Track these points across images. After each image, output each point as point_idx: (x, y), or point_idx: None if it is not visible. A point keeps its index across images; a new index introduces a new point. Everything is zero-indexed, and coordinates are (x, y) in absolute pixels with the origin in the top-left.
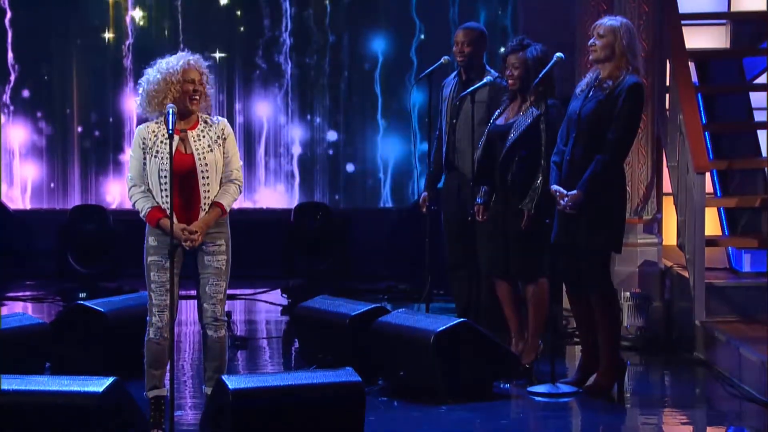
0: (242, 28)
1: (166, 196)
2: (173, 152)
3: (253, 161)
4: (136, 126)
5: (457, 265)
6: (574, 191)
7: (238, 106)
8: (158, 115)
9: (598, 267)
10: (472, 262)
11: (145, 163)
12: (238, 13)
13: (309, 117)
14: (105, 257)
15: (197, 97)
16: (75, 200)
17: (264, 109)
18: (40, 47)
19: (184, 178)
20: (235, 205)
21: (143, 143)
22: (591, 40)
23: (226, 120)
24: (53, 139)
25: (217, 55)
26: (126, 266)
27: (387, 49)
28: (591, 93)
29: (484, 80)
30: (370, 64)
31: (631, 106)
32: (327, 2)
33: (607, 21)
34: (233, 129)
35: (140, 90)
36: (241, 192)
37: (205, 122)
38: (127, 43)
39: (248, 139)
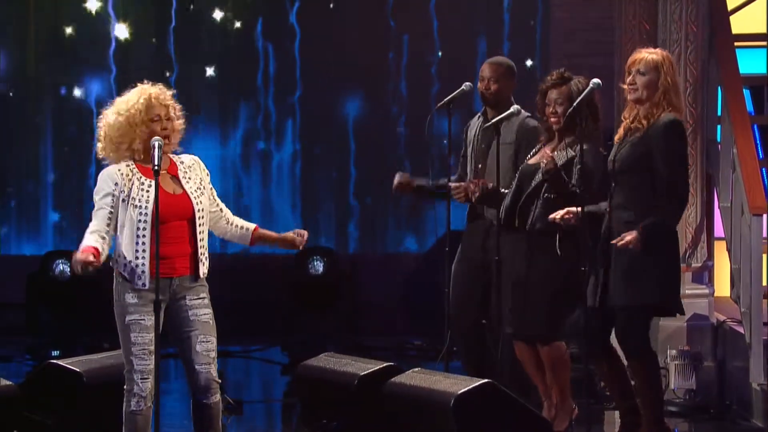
0: None
1: (144, 250)
2: (158, 193)
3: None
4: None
5: (471, 320)
6: (633, 232)
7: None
8: (127, 159)
9: (639, 327)
10: (483, 317)
11: (111, 212)
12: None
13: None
14: (81, 310)
15: (168, 136)
16: (47, 245)
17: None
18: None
19: (174, 224)
20: (229, 250)
21: (114, 188)
22: (629, 77)
23: (196, 156)
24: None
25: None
26: (105, 320)
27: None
28: (625, 137)
29: (510, 110)
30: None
31: (677, 147)
32: None
33: (647, 55)
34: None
35: (100, 134)
36: None
37: (182, 162)
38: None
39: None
